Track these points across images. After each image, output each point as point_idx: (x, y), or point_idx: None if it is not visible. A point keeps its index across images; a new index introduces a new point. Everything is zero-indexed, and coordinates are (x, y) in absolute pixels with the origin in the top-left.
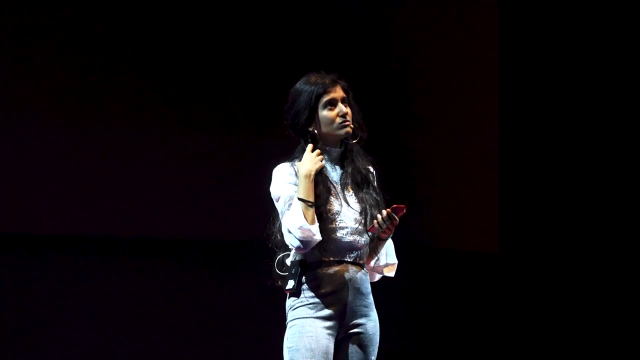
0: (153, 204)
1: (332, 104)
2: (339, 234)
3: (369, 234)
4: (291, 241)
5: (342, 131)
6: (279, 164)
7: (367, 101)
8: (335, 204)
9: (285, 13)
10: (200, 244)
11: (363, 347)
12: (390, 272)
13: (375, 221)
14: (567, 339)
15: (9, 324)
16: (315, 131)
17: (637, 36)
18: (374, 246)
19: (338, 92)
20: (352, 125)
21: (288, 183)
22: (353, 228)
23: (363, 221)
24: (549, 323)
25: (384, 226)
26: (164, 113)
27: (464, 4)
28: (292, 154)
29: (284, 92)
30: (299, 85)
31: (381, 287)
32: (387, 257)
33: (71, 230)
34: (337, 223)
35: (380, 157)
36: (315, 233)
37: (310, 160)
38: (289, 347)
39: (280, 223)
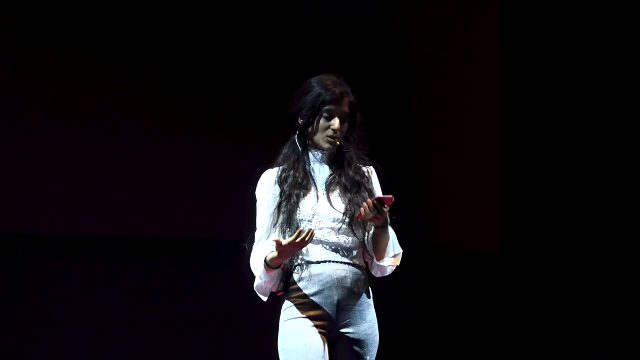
0: (153, 204)
1: (330, 115)
2: (319, 234)
3: (365, 232)
4: (251, 268)
5: (326, 145)
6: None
7: (367, 101)
8: (312, 204)
9: (286, 13)
10: (200, 243)
11: (357, 346)
12: (397, 262)
13: (361, 209)
14: (567, 339)
15: (9, 324)
16: (308, 132)
17: (637, 36)
18: (375, 237)
19: (342, 107)
20: (337, 142)
21: (268, 201)
22: (335, 228)
23: (348, 220)
24: (549, 323)
25: (370, 215)
26: (165, 113)
27: (464, 4)
28: (282, 147)
29: (283, 92)
30: (313, 81)
31: (381, 286)
32: (394, 248)
33: (71, 230)
34: (314, 224)
35: (380, 157)
36: (264, 290)
37: (291, 251)
38: (282, 349)
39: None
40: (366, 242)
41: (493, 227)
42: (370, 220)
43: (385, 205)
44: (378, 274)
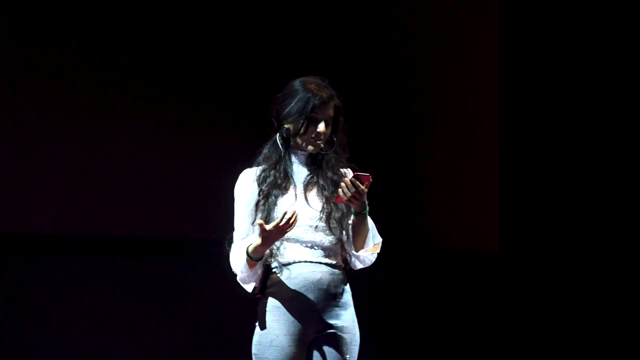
0: (154, 204)
1: (317, 119)
2: (296, 233)
3: (342, 230)
4: (231, 265)
5: (309, 147)
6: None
7: (368, 101)
8: (290, 203)
9: (285, 12)
10: (201, 244)
11: (337, 347)
12: (377, 249)
13: (339, 189)
14: (567, 339)
15: (9, 324)
16: (291, 137)
17: (637, 36)
18: (354, 227)
19: (328, 111)
20: (321, 145)
21: (247, 200)
22: (313, 226)
23: (325, 218)
24: (549, 322)
25: (349, 194)
26: (167, 113)
27: (464, 4)
28: (262, 147)
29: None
30: (297, 84)
31: (381, 286)
32: (373, 238)
33: (71, 230)
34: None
35: (380, 157)
36: (248, 282)
37: (276, 236)
38: (255, 354)
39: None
40: (344, 238)
41: (493, 227)
42: (349, 201)
43: (364, 185)
44: (359, 266)
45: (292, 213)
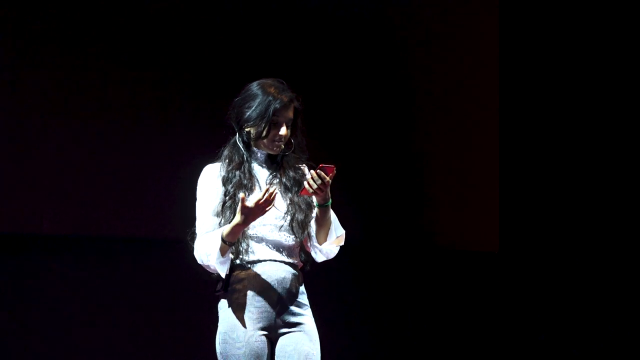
0: (153, 205)
1: (278, 122)
2: (261, 231)
3: (304, 231)
4: (197, 258)
5: (270, 150)
6: (209, 163)
7: (368, 102)
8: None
9: (286, 12)
10: None
11: (301, 344)
12: (341, 243)
13: (305, 182)
14: (567, 339)
15: (9, 324)
16: (251, 138)
17: (637, 36)
18: (317, 219)
19: (288, 113)
20: (281, 147)
21: (212, 194)
22: (277, 226)
23: (289, 219)
24: (549, 322)
25: (315, 186)
26: (167, 113)
27: (464, 4)
28: (222, 148)
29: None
30: (256, 88)
31: (381, 285)
32: (336, 230)
33: (71, 230)
34: (258, 221)
35: (381, 157)
36: (221, 271)
37: (256, 214)
38: (220, 352)
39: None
40: (305, 236)
41: (493, 227)
42: (314, 193)
43: (329, 177)
44: (321, 259)
45: (273, 189)
